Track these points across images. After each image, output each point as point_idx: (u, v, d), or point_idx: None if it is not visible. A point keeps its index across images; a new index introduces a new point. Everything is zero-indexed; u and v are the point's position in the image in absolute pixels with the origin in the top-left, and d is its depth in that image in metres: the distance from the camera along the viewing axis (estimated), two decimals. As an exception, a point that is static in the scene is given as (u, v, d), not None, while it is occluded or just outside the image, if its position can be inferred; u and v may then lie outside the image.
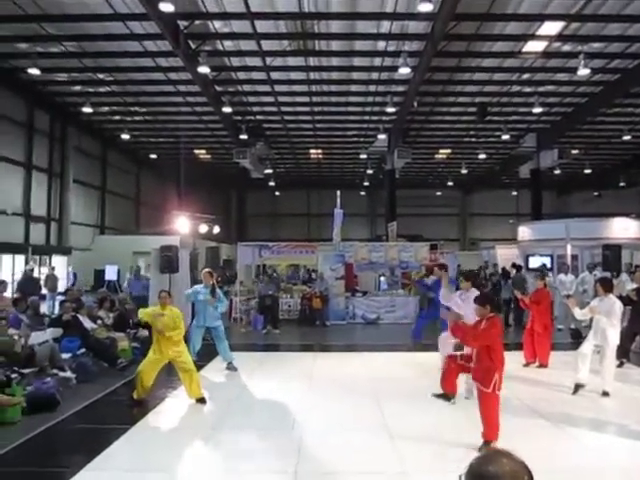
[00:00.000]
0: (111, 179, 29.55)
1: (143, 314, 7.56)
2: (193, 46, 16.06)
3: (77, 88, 20.69)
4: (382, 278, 17.67)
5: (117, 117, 24.59)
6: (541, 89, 19.96)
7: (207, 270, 9.71)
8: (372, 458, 5.14)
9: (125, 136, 25.63)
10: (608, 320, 7.30)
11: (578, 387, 7.50)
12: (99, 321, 10.10)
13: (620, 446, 5.60)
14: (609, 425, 6.27)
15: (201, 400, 6.95)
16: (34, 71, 16.38)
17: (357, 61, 17.80)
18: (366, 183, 36.90)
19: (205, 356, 9.47)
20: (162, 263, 11.93)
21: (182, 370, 7.00)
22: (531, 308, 9.71)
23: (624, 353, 9.20)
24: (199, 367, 8.53)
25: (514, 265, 17.22)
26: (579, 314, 7.94)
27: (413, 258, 16.81)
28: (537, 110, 20.45)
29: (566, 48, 16.40)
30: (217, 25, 15.31)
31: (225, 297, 10.17)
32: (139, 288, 14.59)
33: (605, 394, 7.35)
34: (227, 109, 20.35)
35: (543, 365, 9.32)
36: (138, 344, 9.77)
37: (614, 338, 7.40)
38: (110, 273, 21.78)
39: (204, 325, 9.02)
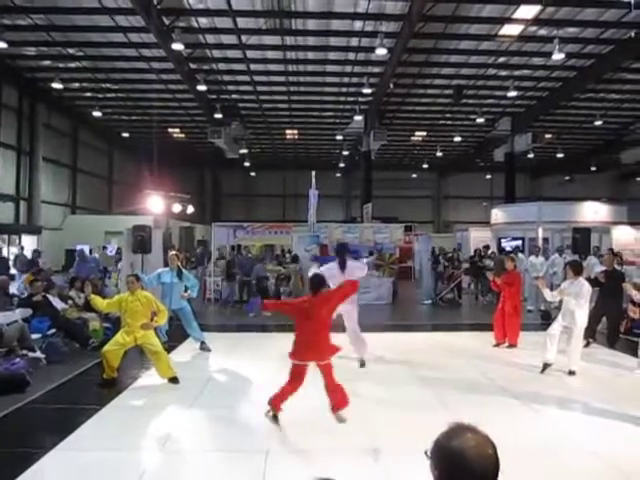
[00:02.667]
0: (82, 158, 28.96)
1: (106, 305, 7.36)
2: (167, 22, 15.72)
3: (46, 63, 20.13)
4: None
5: (88, 94, 24.01)
6: (516, 73, 20.09)
7: (173, 253, 9.65)
8: (343, 436, 5.20)
9: (97, 113, 25.08)
10: (577, 302, 7.47)
11: (546, 366, 7.70)
12: (70, 301, 9.95)
13: (584, 423, 5.77)
14: (574, 403, 6.43)
15: (173, 379, 6.93)
16: (1, 44, 15.81)
17: (334, 41, 17.63)
18: (342, 164, 36.87)
19: (177, 337, 9.43)
20: (135, 243, 11.76)
21: (150, 352, 6.96)
22: (503, 289, 9.87)
23: (591, 333, 9.44)
24: (171, 348, 8.51)
25: (486, 247, 17.50)
26: (549, 295, 8.13)
27: (388, 239, 16.94)
28: (512, 94, 20.60)
29: (541, 32, 16.49)
30: (191, 1, 14.98)
31: (196, 279, 10.13)
32: (86, 271, 14.32)
33: (571, 373, 7.56)
34: (202, 87, 20.04)
35: (512, 345, 9.51)
36: (110, 324, 9.66)
37: (582, 320, 7.58)
38: (82, 253, 21.42)
39: (170, 307, 8.80)
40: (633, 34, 15.89)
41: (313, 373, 7.05)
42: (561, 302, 7.90)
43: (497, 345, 9.65)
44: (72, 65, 20.15)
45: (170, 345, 8.67)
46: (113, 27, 16.49)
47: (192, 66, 19.67)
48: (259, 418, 5.27)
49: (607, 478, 4.45)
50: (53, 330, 8.68)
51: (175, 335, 9.47)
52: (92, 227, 23.13)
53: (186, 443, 5.10)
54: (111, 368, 6.86)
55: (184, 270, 9.44)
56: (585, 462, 4.76)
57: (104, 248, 19.70)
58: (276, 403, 5.34)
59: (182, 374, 7.02)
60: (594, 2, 14.52)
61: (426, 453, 1.57)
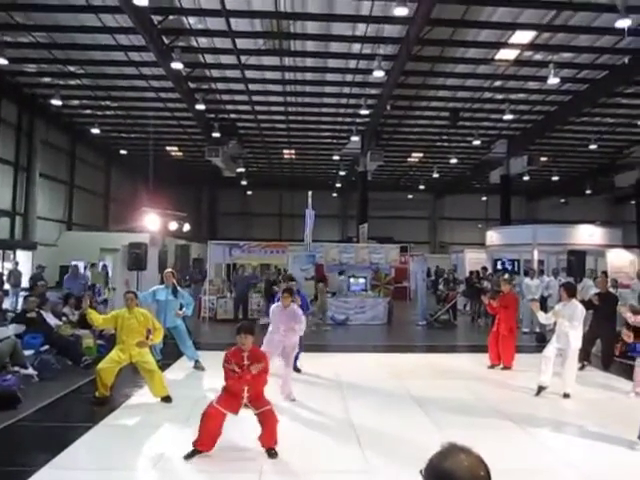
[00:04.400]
0: (80, 174, 28.99)
1: (102, 321, 7.33)
2: (167, 41, 15.89)
3: (46, 80, 20.26)
4: (360, 280, 17.37)
5: (87, 111, 24.16)
6: (512, 96, 20.32)
7: (169, 270, 9.64)
8: (338, 457, 5.17)
9: (95, 130, 25.22)
10: (570, 324, 7.47)
11: (541, 389, 7.67)
12: (64, 318, 9.90)
13: (577, 446, 5.75)
14: (568, 426, 6.41)
15: (166, 399, 6.87)
16: (1, 61, 15.92)
17: (332, 63, 17.84)
18: (338, 185, 37.02)
19: (171, 355, 9.37)
20: (130, 260, 11.76)
21: (144, 370, 6.91)
22: (498, 312, 9.87)
23: (586, 356, 9.44)
24: (165, 366, 8.45)
25: (484, 269, 17.54)
26: (543, 318, 8.14)
27: (383, 260, 16.95)
28: (508, 117, 20.83)
29: (537, 57, 16.74)
30: (192, 21, 15.18)
31: (191, 297, 10.09)
32: (78, 287, 14.28)
33: (566, 396, 7.53)
34: (200, 106, 20.18)
35: (507, 367, 9.48)
36: (104, 342, 9.61)
37: (576, 342, 7.58)
38: (77, 270, 21.34)
39: (164, 325, 8.77)
40: (627, 60, 16.15)
41: (304, 398, 7.03)
42: (555, 324, 7.90)
43: (492, 367, 9.63)
44: (72, 82, 20.31)
45: (164, 363, 8.60)
46: (114, 46, 16.67)
47: (191, 85, 19.84)
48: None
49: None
50: (46, 347, 8.61)
51: (169, 353, 9.41)
52: (87, 244, 23.03)
53: (179, 463, 5.03)
54: (104, 386, 6.79)
55: (179, 288, 9.42)
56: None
57: (93, 265, 19.62)
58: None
59: (175, 393, 6.97)
60: (589, 29, 14.76)
61: (421, 472, 1.57)
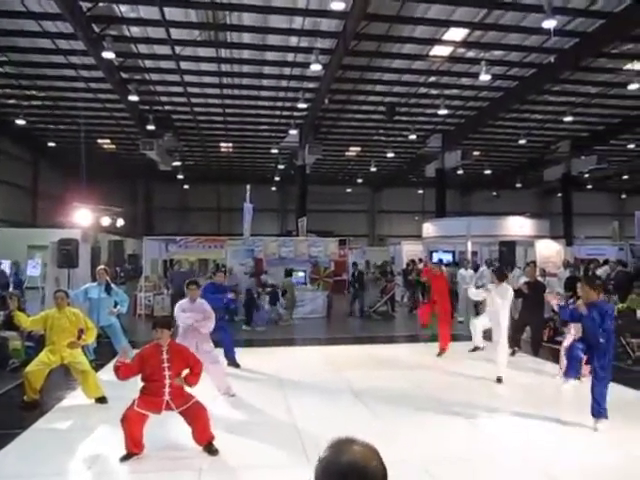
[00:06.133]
0: (3, 168, 27.51)
1: (31, 323, 6.99)
2: (97, 30, 15.29)
3: (-35, 68, 19.10)
4: (300, 273, 17.34)
5: (11, 101, 22.89)
6: (446, 92, 20.80)
7: (101, 267, 9.35)
8: (278, 453, 5.15)
9: (20, 122, 23.96)
10: (502, 302, 7.95)
11: (476, 349, 9.09)
12: (-12, 319, 9.39)
13: (514, 431, 5.95)
14: (503, 411, 6.62)
15: (101, 399, 6.65)
16: None
17: (269, 55, 17.68)
18: (277, 178, 36.90)
19: (105, 355, 9.06)
20: (60, 257, 11.28)
21: (77, 371, 6.66)
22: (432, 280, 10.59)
23: (516, 342, 9.87)
24: (99, 366, 8.17)
25: (420, 260, 17.94)
26: (473, 293, 8.72)
27: (322, 253, 17.03)
28: (442, 112, 21.31)
29: (470, 54, 17.21)
30: (123, 9, 14.63)
31: (126, 293, 9.81)
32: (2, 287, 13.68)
33: (499, 380, 7.89)
34: (133, 97, 19.55)
35: (443, 350, 9.79)
36: (32, 343, 9.17)
37: (505, 320, 8.06)
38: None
39: (98, 324, 8.39)
40: (553, 59, 16.84)
41: (244, 394, 6.99)
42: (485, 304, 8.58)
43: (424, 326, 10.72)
44: (-6, 71, 19.21)
45: (98, 363, 8.31)
46: (40, 32, 15.85)
47: (123, 75, 19.18)
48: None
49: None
50: (-31, 350, 8.16)
51: (103, 353, 9.10)
52: (14, 241, 21.90)
53: (115, 465, 4.88)
54: (33, 390, 6.50)
55: (113, 285, 9.13)
56: (513, 465, 4.92)
57: (14, 264, 18.59)
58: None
59: (111, 394, 6.72)
60: (518, 28, 15.30)
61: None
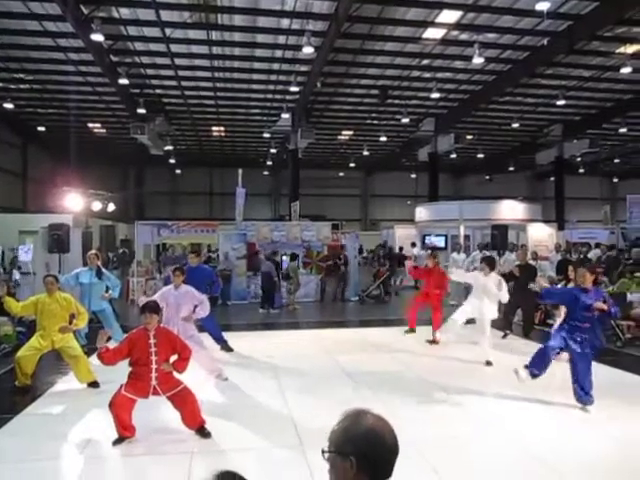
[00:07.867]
0: (-8, 152, 27.27)
1: (21, 308, 6.93)
2: (85, 11, 15.04)
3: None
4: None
5: (-1, 84, 22.61)
6: (439, 75, 20.68)
7: (92, 252, 9.29)
8: (271, 435, 5.18)
9: (8, 105, 23.64)
10: (490, 292, 7.99)
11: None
12: (-21, 305, 9.34)
13: (504, 411, 6.01)
14: (493, 392, 6.69)
15: (93, 384, 6.66)
16: None
17: (261, 38, 17.48)
18: (269, 162, 36.70)
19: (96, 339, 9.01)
20: (51, 242, 11.22)
21: (69, 356, 6.67)
22: (421, 278, 10.42)
23: (507, 325, 9.93)
24: (92, 351, 8.13)
25: (413, 244, 17.98)
26: (456, 274, 8.75)
27: (315, 237, 17.02)
28: (435, 95, 21.22)
29: (463, 37, 17.06)
30: (112, -10, 14.43)
31: (118, 278, 9.78)
32: None
33: (488, 363, 7.92)
34: (123, 81, 19.28)
35: (435, 341, 9.81)
36: (24, 328, 9.15)
37: (489, 312, 8.09)
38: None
39: (89, 309, 8.37)
40: (545, 42, 16.76)
41: (237, 377, 6.99)
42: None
43: (410, 331, 10.34)
44: (-20, 53, 18.89)
45: (90, 348, 8.27)
46: (27, 14, 15.56)
47: (113, 58, 18.92)
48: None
49: (525, 459, 4.66)
50: (-40, 336, 8.13)
51: (95, 337, 9.04)
52: (4, 226, 21.77)
53: (107, 448, 4.89)
54: (25, 375, 6.50)
55: (104, 270, 9.08)
56: (502, 444, 4.97)
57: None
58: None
59: (102, 378, 6.72)
60: (511, 10, 15.17)
61: (324, 452, 1.55)
